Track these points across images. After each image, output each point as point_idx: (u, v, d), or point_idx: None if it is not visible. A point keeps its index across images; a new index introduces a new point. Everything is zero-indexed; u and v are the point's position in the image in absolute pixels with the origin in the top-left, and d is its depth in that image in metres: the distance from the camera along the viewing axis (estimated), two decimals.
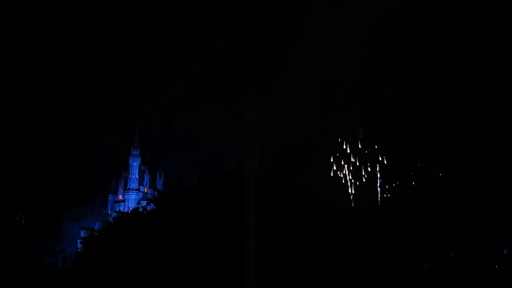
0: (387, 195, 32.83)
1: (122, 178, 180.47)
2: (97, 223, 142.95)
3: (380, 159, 38.56)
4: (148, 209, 20.10)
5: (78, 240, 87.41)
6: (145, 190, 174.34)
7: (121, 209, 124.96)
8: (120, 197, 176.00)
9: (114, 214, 22.20)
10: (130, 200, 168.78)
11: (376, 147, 36.29)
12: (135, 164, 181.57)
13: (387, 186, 36.20)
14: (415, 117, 31.71)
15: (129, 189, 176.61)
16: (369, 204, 33.02)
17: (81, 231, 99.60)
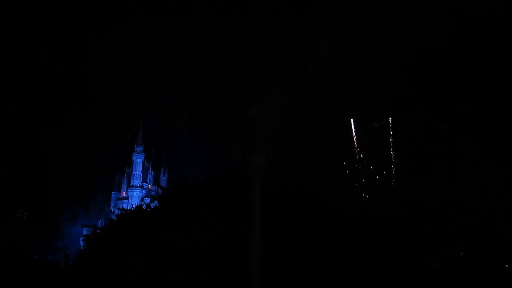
0: (396, 192, 32.86)
1: (125, 175, 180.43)
2: (100, 220, 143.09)
3: (388, 155, 38.61)
4: (152, 207, 20.23)
5: (81, 238, 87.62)
6: (149, 187, 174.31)
7: (124, 206, 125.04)
8: (123, 194, 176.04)
9: (117, 212, 22.35)
10: (133, 197, 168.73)
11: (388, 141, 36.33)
12: (138, 160, 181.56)
13: (392, 182, 36.18)
14: (424, 112, 31.76)
15: (132, 186, 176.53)
16: (378, 201, 33.03)
17: (84, 228, 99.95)
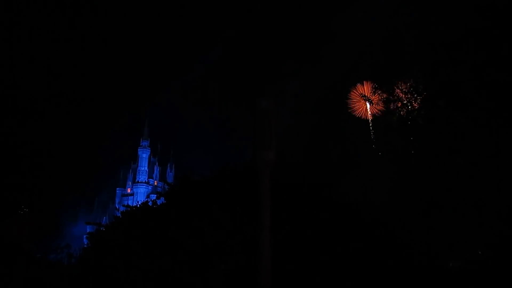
0: (411, 188, 32.67)
1: (130, 171, 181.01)
2: (104, 217, 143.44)
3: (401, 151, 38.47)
4: (158, 203, 20.09)
5: (84, 236, 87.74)
6: (155, 183, 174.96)
7: (130, 203, 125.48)
8: (129, 190, 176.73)
9: (122, 208, 22.22)
10: (139, 193, 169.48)
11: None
12: (144, 155, 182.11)
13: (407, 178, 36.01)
14: (440, 106, 31.55)
15: (138, 182, 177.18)
16: (391, 197, 32.88)
17: (87, 226, 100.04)
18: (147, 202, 20.33)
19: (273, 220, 9.42)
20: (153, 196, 22.34)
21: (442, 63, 30.53)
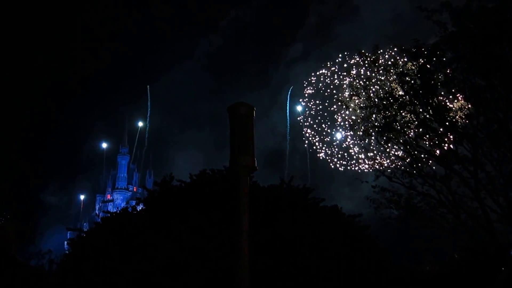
0: (388, 193, 32.86)
1: (110, 177, 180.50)
2: (85, 223, 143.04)
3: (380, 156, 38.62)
4: (138, 209, 20.14)
5: (65, 242, 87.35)
6: (134, 189, 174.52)
7: (110, 209, 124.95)
8: (108, 196, 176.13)
9: (102, 214, 22.23)
10: (118, 199, 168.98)
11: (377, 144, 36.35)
12: (123, 162, 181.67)
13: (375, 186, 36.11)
14: (417, 112, 31.78)
15: (117, 188, 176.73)
16: (370, 202, 33.06)
17: (68, 232, 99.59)
18: (126, 208, 20.37)
19: (251, 224, 9.54)
20: (133, 202, 22.40)
21: (416, 68, 30.79)
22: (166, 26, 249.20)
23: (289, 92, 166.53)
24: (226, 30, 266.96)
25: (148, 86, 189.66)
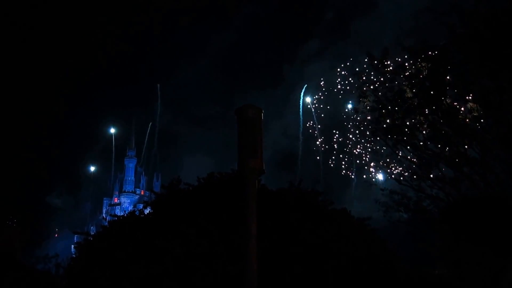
0: (397, 195, 32.83)
1: (117, 180, 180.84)
2: (92, 227, 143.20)
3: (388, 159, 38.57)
4: (145, 213, 20.12)
5: (72, 245, 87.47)
6: (142, 193, 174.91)
7: (117, 212, 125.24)
8: (116, 200, 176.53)
9: (109, 218, 22.22)
10: (126, 203, 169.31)
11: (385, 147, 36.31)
12: (131, 165, 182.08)
13: (383, 190, 36.18)
14: (426, 114, 31.71)
15: (124, 191, 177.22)
16: (379, 205, 33.01)
17: (75, 235, 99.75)
18: (134, 211, 20.35)
19: (259, 228, 9.48)
20: (140, 206, 22.42)
21: (425, 70, 30.69)
22: (177, 22, 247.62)
23: (303, 91, 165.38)
24: (239, 26, 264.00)
25: (158, 85, 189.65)
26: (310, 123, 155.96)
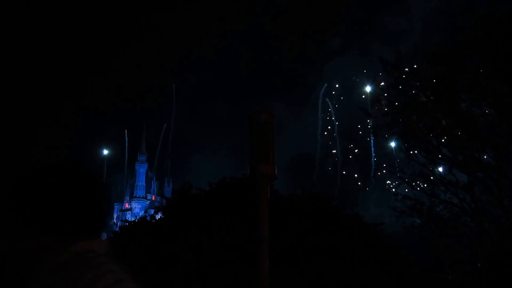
0: (410, 200, 32.77)
1: (128, 186, 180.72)
2: (103, 233, 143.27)
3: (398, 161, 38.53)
4: (156, 218, 20.16)
5: None
6: (153, 198, 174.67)
7: (128, 217, 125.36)
8: (127, 205, 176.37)
9: (120, 223, 22.29)
10: (137, 208, 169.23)
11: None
12: (142, 170, 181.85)
13: (399, 195, 36.11)
14: (439, 119, 31.60)
15: (135, 197, 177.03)
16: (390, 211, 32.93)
17: None
18: (145, 217, 20.43)
19: (272, 231, 9.48)
20: (151, 211, 22.41)
21: (439, 73, 30.61)
22: (194, 16, 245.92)
23: (322, 91, 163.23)
24: (258, 22, 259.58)
25: (173, 85, 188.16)
26: (328, 125, 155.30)
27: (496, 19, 28.05)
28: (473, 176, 30.86)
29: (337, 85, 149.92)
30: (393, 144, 35.64)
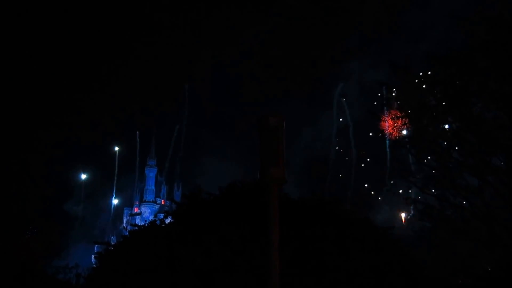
0: (420, 205, 32.77)
1: (137, 190, 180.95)
2: (112, 237, 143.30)
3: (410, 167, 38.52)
4: (166, 222, 20.19)
5: (92, 255, 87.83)
6: (162, 202, 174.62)
7: (137, 222, 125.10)
8: (136, 209, 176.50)
9: (130, 228, 22.35)
10: (146, 212, 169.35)
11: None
12: (151, 174, 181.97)
13: (419, 197, 36.13)
14: (449, 122, 31.58)
15: (145, 201, 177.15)
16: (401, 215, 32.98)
17: (95, 245, 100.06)
18: (155, 221, 20.44)
19: (281, 237, 9.49)
20: (161, 215, 22.45)
21: (449, 76, 30.57)
22: (206, 14, 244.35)
23: (337, 91, 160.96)
24: (274, 20, 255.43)
25: (185, 86, 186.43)
26: (344, 127, 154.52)
27: (507, 22, 28.02)
28: (484, 180, 30.80)
29: (352, 86, 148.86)
30: (405, 147, 35.29)
